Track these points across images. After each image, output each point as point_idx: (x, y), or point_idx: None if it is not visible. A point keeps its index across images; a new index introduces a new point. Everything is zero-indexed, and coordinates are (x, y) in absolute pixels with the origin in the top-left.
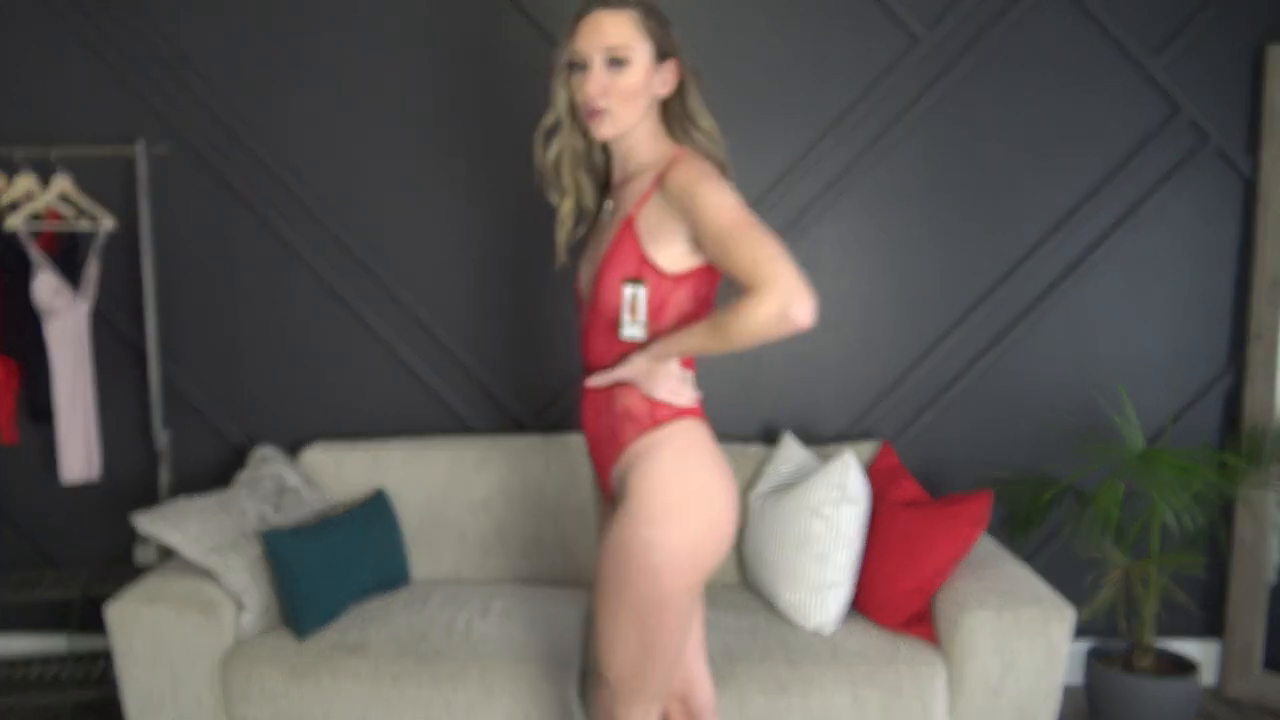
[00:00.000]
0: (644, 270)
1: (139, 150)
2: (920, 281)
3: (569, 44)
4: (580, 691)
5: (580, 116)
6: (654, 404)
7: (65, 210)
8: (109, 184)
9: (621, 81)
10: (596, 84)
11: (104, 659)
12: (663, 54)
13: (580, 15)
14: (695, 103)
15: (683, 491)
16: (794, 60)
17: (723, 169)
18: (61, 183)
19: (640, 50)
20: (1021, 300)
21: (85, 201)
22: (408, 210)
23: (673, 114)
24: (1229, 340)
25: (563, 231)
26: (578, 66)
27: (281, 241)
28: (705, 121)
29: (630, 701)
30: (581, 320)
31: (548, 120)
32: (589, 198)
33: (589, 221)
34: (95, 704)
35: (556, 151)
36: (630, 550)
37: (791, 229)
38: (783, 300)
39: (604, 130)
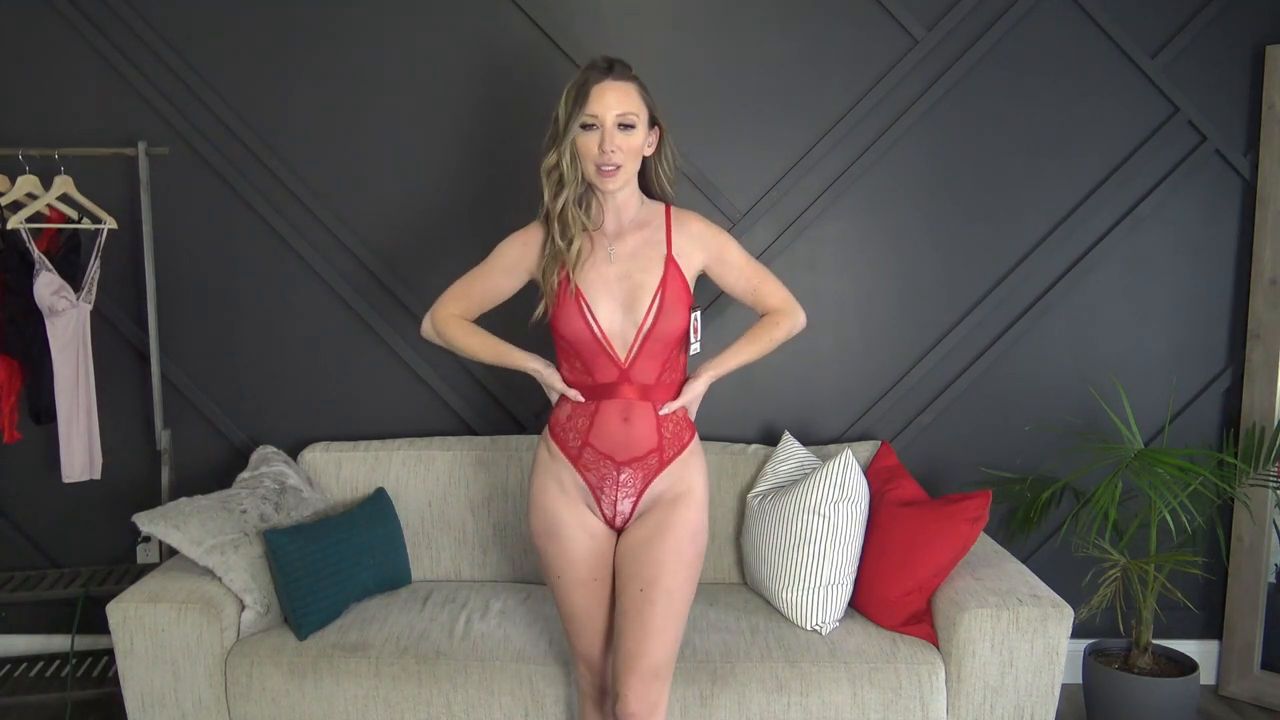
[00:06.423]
0: (689, 297)
1: (140, 151)
2: (920, 281)
3: (582, 108)
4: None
5: (584, 169)
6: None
7: (67, 210)
8: (110, 184)
9: (630, 142)
10: (612, 142)
11: (106, 658)
12: (652, 120)
13: (590, 84)
14: (669, 160)
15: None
16: (794, 60)
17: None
18: (63, 183)
19: (641, 116)
20: (1021, 300)
21: (86, 202)
22: (408, 209)
23: (650, 170)
24: (1228, 340)
25: (577, 265)
26: (591, 128)
27: (282, 241)
28: (671, 173)
29: (669, 681)
30: (601, 348)
31: (548, 162)
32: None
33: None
34: (97, 703)
35: (565, 199)
36: (702, 533)
37: (791, 229)
38: (802, 313)
39: (614, 183)
